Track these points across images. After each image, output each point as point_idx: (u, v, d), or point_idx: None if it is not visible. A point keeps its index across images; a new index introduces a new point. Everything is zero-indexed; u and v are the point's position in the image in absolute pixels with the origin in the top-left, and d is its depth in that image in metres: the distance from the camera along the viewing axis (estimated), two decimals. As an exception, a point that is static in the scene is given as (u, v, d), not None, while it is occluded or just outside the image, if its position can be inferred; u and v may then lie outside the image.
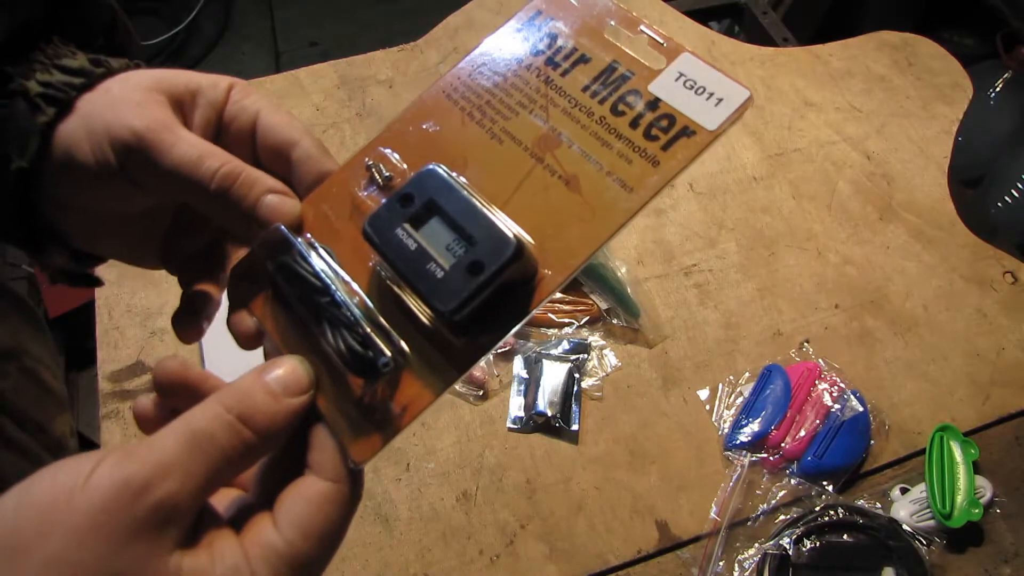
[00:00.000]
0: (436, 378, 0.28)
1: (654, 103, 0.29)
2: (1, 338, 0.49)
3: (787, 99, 1.00)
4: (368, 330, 0.28)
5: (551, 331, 0.79)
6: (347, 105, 0.97)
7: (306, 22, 2.27)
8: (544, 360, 0.76)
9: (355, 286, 0.30)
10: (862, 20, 1.57)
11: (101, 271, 0.40)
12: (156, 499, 0.23)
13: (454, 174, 0.30)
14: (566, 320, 0.79)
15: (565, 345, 0.78)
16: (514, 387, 0.76)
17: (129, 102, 0.31)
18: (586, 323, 0.80)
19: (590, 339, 0.79)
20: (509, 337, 0.28)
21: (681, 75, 0.30)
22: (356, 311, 0.28)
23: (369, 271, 0.31)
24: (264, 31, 2.27)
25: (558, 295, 0.81)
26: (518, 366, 0.77)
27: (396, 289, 0.30)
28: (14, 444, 0.47)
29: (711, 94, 0.29)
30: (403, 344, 0.28)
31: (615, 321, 0.79)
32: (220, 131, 0.34)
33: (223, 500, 0.29)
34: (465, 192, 0.29)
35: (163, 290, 0.81)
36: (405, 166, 0.32)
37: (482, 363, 0.29)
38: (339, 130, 0.95)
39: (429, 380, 0.28)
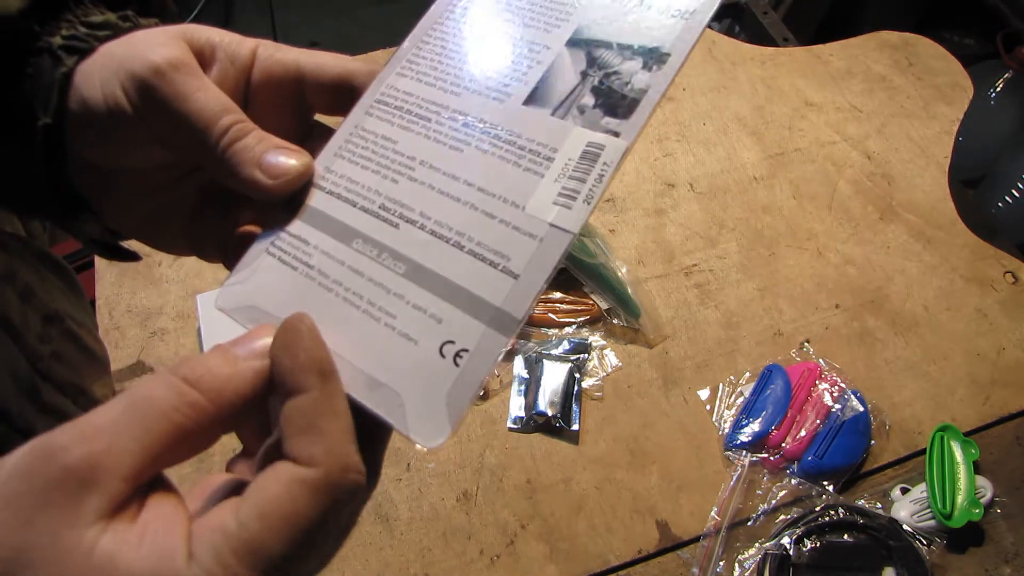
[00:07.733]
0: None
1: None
2: (44, 303, 0.47)
3: (787, 99, 1.00)
4: None
5: (551, 331, 0.79)
6: (347, 105, 0.97)
7: (306, 22, 2.27)
8: (544, 360, 0.76)
9: None
10: (862, 20, 1.57)
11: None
12: (73, 458, 0.20)
13: None
14: (566, 320, 0.79)
15: (565, 345, 0.78)
16: (514, 387, 0.76)
17: (150, 43, 0.29)
18: (586, 323, 0.80)
19: (590, 339, 0.79)
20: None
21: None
22: None
23: None
24: (264, 31, 2.26)
25: (558, 295, 0.81)
26: (518, 366, 0.77)
27: None
28: (51, 409, 0.45)
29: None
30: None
31: (615, 321, 0.79)
32: (248, 94, 0.32)
33: (212, 486, 0.25)
34: None
35: (163, 290, 0.81)
36: None
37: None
38: (339, 130, 0.95)
39: None
